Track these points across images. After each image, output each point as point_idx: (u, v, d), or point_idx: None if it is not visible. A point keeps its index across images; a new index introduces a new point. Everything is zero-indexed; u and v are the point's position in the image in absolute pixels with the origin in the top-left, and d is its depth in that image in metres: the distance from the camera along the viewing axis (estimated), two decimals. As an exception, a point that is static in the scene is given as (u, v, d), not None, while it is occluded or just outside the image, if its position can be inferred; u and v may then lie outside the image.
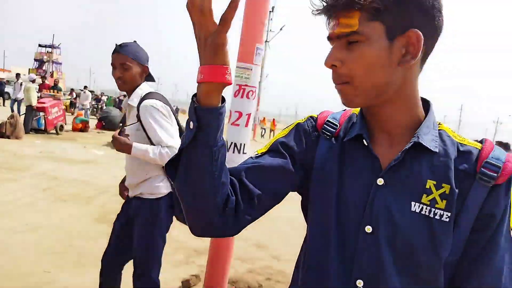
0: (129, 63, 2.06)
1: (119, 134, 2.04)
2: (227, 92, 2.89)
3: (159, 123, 2.07)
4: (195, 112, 0.72)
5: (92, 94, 52.29)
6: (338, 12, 0.75)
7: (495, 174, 0.75)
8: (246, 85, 2.89)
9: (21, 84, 14.15)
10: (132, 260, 2.21)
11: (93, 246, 3.63)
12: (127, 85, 2.10)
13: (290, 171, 0.88)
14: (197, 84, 0.73)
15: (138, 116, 2.09)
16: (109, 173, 6.88)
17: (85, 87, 19.59)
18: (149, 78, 2.24)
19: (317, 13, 0.79)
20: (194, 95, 0.73)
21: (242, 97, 2.89)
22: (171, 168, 0.79)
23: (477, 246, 0.77)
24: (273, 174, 0.87)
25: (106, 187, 5.96)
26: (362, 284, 0.79)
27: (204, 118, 0.71)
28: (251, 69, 2.88)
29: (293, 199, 0.98)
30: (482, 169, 0.76)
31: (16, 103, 14.25)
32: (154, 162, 2.07)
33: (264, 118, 30.00)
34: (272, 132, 28.24)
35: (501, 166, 0.76)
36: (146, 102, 2.08)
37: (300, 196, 0.96)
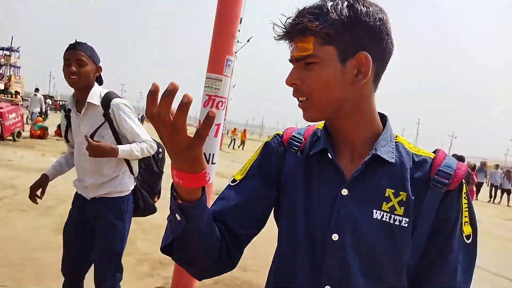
0: (85, 60, 2.04)
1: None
2: (197, 102, 2.89)
3: (133, 119, 2.13)
4: (180, 209, 0.74)
5: (52, 100, 49.62)
6: (296, 37, 0.84)
7: (447, 181, 0.83)
8: (216, 96, 2.93)
9: None
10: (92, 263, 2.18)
11: (53, 258, 3.47)
12: (82, 82, 2.05)
13: (267, 194, 0.94)
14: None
15: (106, 115, 2.09)
16: (69, 182, 6.59)
17: (37, 89, 17.48)
18: (99, 80, 2.21)
19: (278, 39, 0.86)
20: (173, 187, 0.75)
21: (211, 107, 2.92)
22: (166, 248, 0.84)
23: (434, 248, 0.84)
24: (253, 205, 0.93)
25: (66, 196, 5.72)
26: None
27: (189, 211, 0.74)
28: (221, 80, 2.93)
29: None
30: (435, 176, 0.84)
31: None
32: (135, 158, 2.14)
33: (234, 128, 29.68)
34: (243, 143, 27.86)
35: (452, 173, 0.84)
36: (118, 100, 2.11)
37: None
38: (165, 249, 0.84)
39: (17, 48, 57.54)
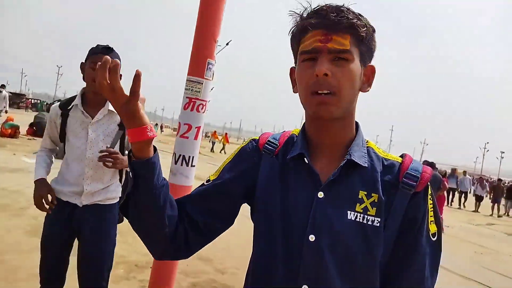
0: None
1: (106, 152, 2.00)
2: (178, 104, 2.90)
3: None
4: (131, 165, 0.85)
5: (24, 98, 47.66)
6: (335, 30, 0.85)
7: (415, 183, 0.89)
8: (196, 99, 2.92)
9: None
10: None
11: (24, 260, 3.40)
12: None
13: (232, 192, 0.99)
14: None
15: (122, 125, 2.12)
16: (43, 183, 6.46)
17: (3, 86, 15.99)
18: None
19: (311, 24, 0.86)
20: (130, 151, 0.86)
21: (192, 110, 2.92)
22: (124, 209, 0.90)
23: (403, 246, 0.90)
24: (217, 199, 0.98)
25: (39, 197, 5.60)
26: None
27: (138, 168, 0.84)
28: (202, 83, 2.93)
29: (240, 213, 1.05)
30: (404, 179, 0.90)
31: None
32: None
33: (214, 131, 29.39)
34: (224, 146, 27.64)
35: (419, 176, 0.90)
36: None
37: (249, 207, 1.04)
38: (122, 209, 0.90)
39: (-12, 44, 55.29)
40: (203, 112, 3.07)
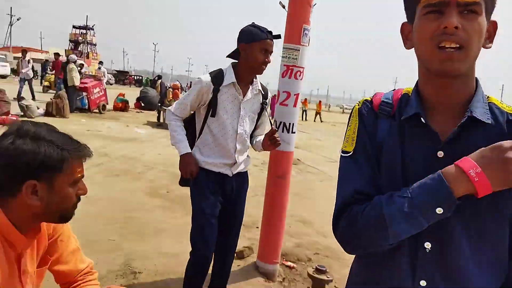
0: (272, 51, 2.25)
1: (273, 133, 2.25)
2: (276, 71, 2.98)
3: None
4: (453, 204, 0.80)
5: (126, 75, 51.87)
6: None
7: None
8: (294, 66, 2.97)
9: (28, 62, 13.32)
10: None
11: (149, 218, 3.91)
12: (263, 71, 2.27)
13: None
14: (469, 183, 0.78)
15: (264, 103, 2.39)
16: (154, 151, 7.21)
17: (101, 62, 18.71)
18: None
19: None
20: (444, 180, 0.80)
21: (290, 77, 2.98)
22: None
23: None
24: (375, 175, 0.96)
25: (153, 163, 6.28)
26: (430, 246, 0.88)
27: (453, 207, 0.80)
28: (299, 50, 2.96)
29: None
30: None
31: (26, 82, 13.20)
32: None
33: (305, 99, 28.89)
34: (318, 114, 27.15)
35: None
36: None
37: None
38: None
39: (92, 26, 60.88)
40: (301, 78, 3.11)
